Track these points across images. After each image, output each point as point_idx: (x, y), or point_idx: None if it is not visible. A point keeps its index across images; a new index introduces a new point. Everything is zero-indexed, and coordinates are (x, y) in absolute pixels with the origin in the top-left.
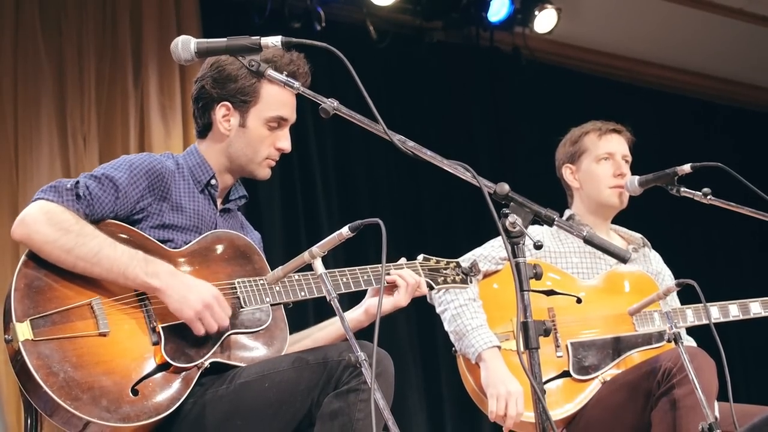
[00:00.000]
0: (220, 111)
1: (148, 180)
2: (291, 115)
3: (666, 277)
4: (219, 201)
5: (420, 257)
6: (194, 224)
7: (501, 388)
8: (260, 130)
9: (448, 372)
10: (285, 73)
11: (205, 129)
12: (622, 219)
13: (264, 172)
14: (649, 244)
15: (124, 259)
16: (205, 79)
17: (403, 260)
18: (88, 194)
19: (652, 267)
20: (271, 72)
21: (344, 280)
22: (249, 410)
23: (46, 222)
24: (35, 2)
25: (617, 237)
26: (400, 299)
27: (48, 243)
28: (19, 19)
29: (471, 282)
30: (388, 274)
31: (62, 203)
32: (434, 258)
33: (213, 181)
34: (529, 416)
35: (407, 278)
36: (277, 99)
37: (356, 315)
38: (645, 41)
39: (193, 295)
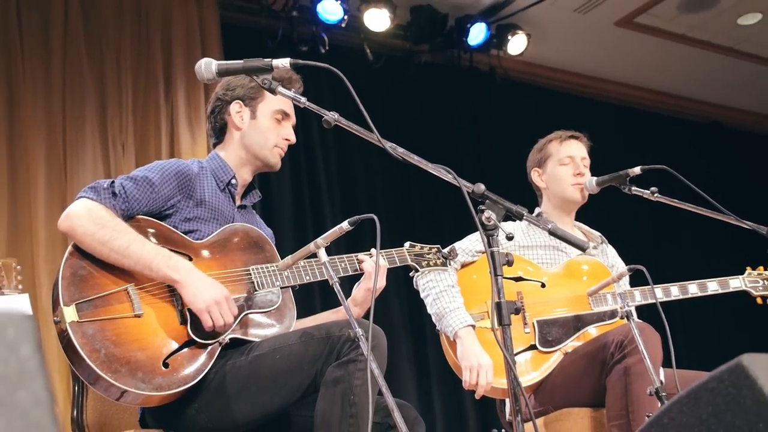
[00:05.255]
0: (234, 108)
1: (177, 180)
2: (291, 111)
3: (619, 269)
4: (237, 198)
5: (407, 244)
6: (216, 217)
7: (473, 360)
8: (268, 121)
9: (434, 345)
10: (283, 80)
11: (221, 131)
12: (583, 213)
13: (275, 159)
14: (606, 240)
15: (151, 254)
16: (218, 93)
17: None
18: (124, 192)
19: (608, 260)
20: (281, 89)
21: (343, 265)
22: (263, 378)
23: (87, 217)
24: (80, 29)
25: (579, 233)
26: (369, 283)
27: (87, 235)
28: (66, 44)
29: (449, 264)
30: (359, 264)
31: (101, 201)
32: (419, 244)
33: (233, 181)
34: (501, 383)
35: (367, 268)
36: (278, 97)
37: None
38: (602, 62)
39: (206, 291)
